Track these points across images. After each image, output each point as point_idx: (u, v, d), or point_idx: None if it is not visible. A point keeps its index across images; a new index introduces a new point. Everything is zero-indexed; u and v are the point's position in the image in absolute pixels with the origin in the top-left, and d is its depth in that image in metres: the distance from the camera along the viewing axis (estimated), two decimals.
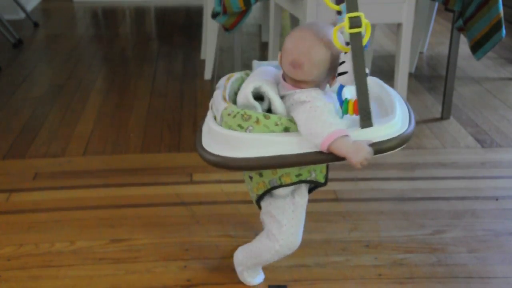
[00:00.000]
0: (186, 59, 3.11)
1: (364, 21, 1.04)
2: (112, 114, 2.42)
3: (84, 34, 3.69)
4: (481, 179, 1.91)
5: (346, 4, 1.05)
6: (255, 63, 1.33)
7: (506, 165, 2.00)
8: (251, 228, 1.63)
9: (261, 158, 1.11)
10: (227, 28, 2.31)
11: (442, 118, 2.36)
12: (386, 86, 1.28)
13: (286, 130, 1.12)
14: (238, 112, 1.13)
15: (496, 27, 2.08)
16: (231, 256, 1.50)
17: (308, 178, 1.24)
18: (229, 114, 1.14)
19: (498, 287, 1.41)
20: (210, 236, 1.60)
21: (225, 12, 2.20)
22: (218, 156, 1.14)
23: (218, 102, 1.20)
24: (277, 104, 1.15)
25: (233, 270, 1.45)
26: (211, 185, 1.86)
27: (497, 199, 1.78)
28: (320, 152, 1.08)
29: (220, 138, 1.15)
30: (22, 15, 3.88)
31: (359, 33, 1.04)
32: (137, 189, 1.85)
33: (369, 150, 1.07)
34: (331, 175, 1.75)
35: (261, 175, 1.24)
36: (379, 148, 1.10)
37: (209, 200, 1.78)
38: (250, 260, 1.37)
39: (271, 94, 1.15)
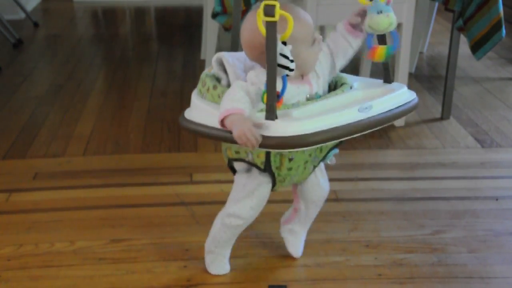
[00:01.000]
0: (186, 59, 3.12)
1: (280, 11, 1.01)
2: (112, 114, 2.42)
3: (84, 34, 3.70)
4: (481, 179, 1.91)
5: None
6: None
7: (506, 165, 2.00)
8: (251, 228, 1.62)
9: (190, 122, 1.23)
10: (227, 28, 2.31)
11: (442, 118, 2.36)
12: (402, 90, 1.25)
13: None
14: (202, 78, 1.27)
15: (496, 27, 2.08)
16: (231, 256, 1.50)
17: (246, 159, 1.28)
18: (200, 79, 1.28)
19: (498, 287, 1.41)
20: None
21: (225, 12, 2.20)
22: (182, 116, 1.29)
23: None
24: (231, 77, 1.22)
25: (233, 270, 1.46)
26: (211, 185, 1.86)
27: (497, 199, 1.78)
28: (219, 129, 1.13)
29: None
30: (22, 15, 3.88)
31: (274, 22, 1.01)
32: (137, 189, 1.85)
33: (251, 128, 1.06)
34: (331, 175, 1.74)
35: (222, 145, 1.33)
36: (264, 142, 1.08)
37: (209, 200, 1.78)
38: (209, 240, 1.41)
39: (228, 66, 1.23)
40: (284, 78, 1.08)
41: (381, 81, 1.30)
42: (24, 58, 3.15)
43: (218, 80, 1.26)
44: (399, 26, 2.14)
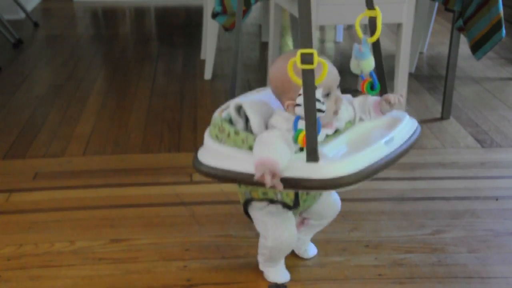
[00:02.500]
0: (186, 59, 3.12)
1: (318, 58, 1.04)
2: (112, 114, 2.43)
3: (84, 34, 3.70)
4: (481, 179, 1.91)
5: (299, 38, 1.05)
6: None
7: (506, 165, 2.00)
8: (251, 228, 1.62)
9: (213, 168, 1.21)
10: (227, 28, 2.31)
11: (442, 118, 2.36)
12: (402, 121, 1.27)
13: (251, 148, 1.16)
14: (217, 124, 1.24)
15: (496, 27, 2.08)
16: (231, 256, 1.51)
17: (275, 198, 1.30)
18: (213, 124, 1.26)
19: (498, 287, 1.41)
20: (210, 236, 1.60)
21: (225, 12, 2.20)
22: (195, 160, 1.27)
23: (215, 113, 1.30)
24: (254, 124, 1.22)
25: (233, 270, 1.46)
26: (211, 185, 1.86)
27: (497, 199, 1.78)
28: (249, 174, 1.12)
29: (204, 145, 1.28)
30: (22, 15, 3.89)
31: (311, 70, 1.04)
32: (137, 189, 1.85)
33: (270, 167, 1.08)
34: None
35: (239, 186, 1.34)
36: (308, 184, 1.10)
37: (209, 200, 1.78)
38: (261, 258, 1.42)
39: (250, 113, 1.23)
40: (318, 121, 1.10)
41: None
42: (24, 58, 3.16)
43: (231, 122, 1.26)
44: (399, 26, 2.14)
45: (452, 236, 1.60)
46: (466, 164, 2.01)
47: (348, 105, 1.28)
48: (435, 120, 2.35)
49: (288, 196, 1.30)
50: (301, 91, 1.08)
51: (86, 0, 4.45)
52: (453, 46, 2.26)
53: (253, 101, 1.27)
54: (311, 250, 1.52)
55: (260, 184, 1.10)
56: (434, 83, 2.74)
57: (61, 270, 1.47)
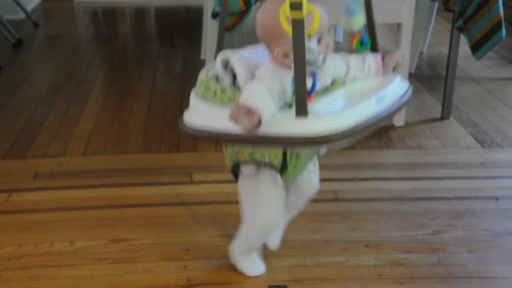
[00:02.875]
0: (186, 59, 3.12)
1: (308, 6, 0.98)
2: (112, 114, 2.42)
3: (84, 34, 3.70)
4: (481, 179, 1.91)
5: None
6: None
7: (506, 165, 2.00)
8: None
9: (195, 129, 1.17)
10: (227, 28, 2.31)
11: (442, 118, 2.36)
12: (392, 81, 1.24)
13: None
14: (203, 82, 1.20)
15: (496, 27, 2.08)
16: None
17: (261, 160, 1.25)
18: (198, 82, 1.21)
19: (498, 287, 1.41)
20: (210, 236, 1.60)
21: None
22: (180, 122, 1.22)
23: (200, 72, 1.25)
24: (241, 78, 1.17)
25: (233, 270, 1.46)
26: (211, 185, 1.86)
27: (497, 199, 1.78)
28: (238, 134, 1.07)
29: (189, 106, 1.23)
30: (22, 15, 3.88)
31: (301, 20, 0.98)
32: (137, 189, 1.85)
33: (250, 112, 1.03)
34: (331, 175, 1.75)
35: (226, 149, 1.29)
36: (298, 140, 1.06)
37: (209, 200, 1.78)
38: (241, 246, 1.39)
39: (237, 68, 1.18)
40: (314, 74, 1.06)
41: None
42: (24, 58, 3.15)
43: (217, 81, 1.22)
44: (399, 26, 2.14)
45: (452, 236, 1.60)
46: (466, 164, 2.01)
47: (340, 61, 1.23)
48: (435, 120, 2.35)
49: (276, 157, 1.25)
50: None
51: (86, 0, 4.45)
52: (453, 46, 2.26)
53: (241, 55, 1.21)
54: (279, 242, 1.50)
55: (246, 140, 1.06)
56: (434, 83, 2.74)
57: (61, 270, 1.47)
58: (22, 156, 2.07)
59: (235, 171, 1.32)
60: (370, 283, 1.43)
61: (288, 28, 1.01)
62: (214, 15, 2.29)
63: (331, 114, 1.08)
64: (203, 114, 1.18)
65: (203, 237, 1.60)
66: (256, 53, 1.25)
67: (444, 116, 2.36)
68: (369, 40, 1.29)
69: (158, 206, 1.75)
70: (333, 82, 1.22)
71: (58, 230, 1.63)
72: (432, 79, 2.81)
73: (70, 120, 2.37)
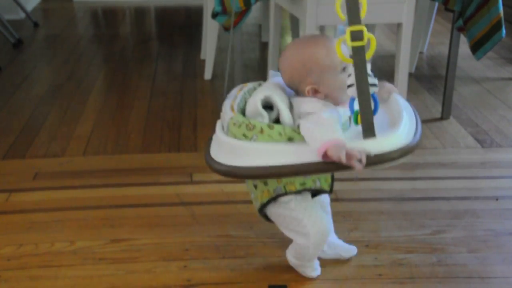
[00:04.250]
0: (186, 59, 3.12)
1: (367, 34, 1.06)
2: (112, 114, 2.43)
3: (84, 34, 3.70)
4: (481, 179, 1.91)
5: (347, 16, 1.06)
6: (272, 73, 1.37)
7: (506, 165, 2.00)
8: (251, 228, 1.63)
9: (262, 168, 1.14)
10: (227, 28, 2.31)
11: (442, 118, 2.36)
12: (398, 97, 1.30)
13: (290, 140, 1.15)
14: (243, 122, 1.17)
15: (496, 27, 2.08)
16: (231, 256, 1.51)
17: (313, 187, 1.29)
18: (234, 124, 1.18)
19: (498, 287, 1.41)
20: (210, 236, 1.60)
21: (225, 12, 2.20)
22: (224, 165, 1.17)
23: (225, 112, 1.24)
24: (285, 115, 1.19)
25: (233, 270, 1.46)
26: (211, 185, 1.86)
27: (497, 199, 1.78)
28: (319, 162, 1.10)
29: (226, 148, 1.19)
30: (22, 15, 3.89)
31: (361, 46, 1.06)
32: (137, 189, 1.85)
33: (343, 147, 1.07)
34: None
35: (266, 183, 1.28)
36: (380, 159, 1.11)
37: (209, 200, 1.78)
38: (303, 260, 1.40)
39: (280, 104, 1.20)
40: (374, 96, 1.11)
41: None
42: (24, 58, 3.15)
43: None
44: (399, 26, 2.14)
45: (452, 236, 1.60)
46: (466, 164, 2.01)
47: None
48: (435, 120, 2.35)
49: (326, 181, 1.30)
50: (350, 71, 1.09)
51: (86, 0, 4.45)
52: (453, 46, 2.26)
53: (276, 91, 1.23)
54: (348, 247, 1.51)
55: (329, 168, 1.09)
56: (434, 83, 2.74)
57: (61, 270, 1.47)
58: (22, 156, 2.07)
59: (266, 206, 1.31)
60: (370, 283, 1.43)
61: (345, 58, 1.09)
62: (214, 15, 2.29)
63: (388, 135, 1.14)
64: (252, 153, 1.16)
65: (203, 237, 1.60)
66: (283, 86, 1.29)
67: (444, 116, 2.36)
68: None
69: (158, 206, 1.75)
70: None
71: (58, 230, 1.63)
72: (432, 79, 2.81)
73: (70, 120, 2.37)
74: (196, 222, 1.67)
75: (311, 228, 1.29)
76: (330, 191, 1.33)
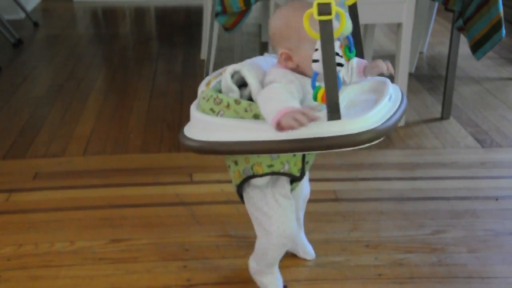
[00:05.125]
0: (186, 59, 3.12)
1: (335, 8, 0.98)
2: (112, 114, 2.43)
3: (84, 34, 3.70)
4: (481, 179, 1.91)
5: None
6: (266, 55, 1.33)
7: (506, 165, 2.00)
8: (251, 228, 1.61)
9: (218, 143, 1.12)
10: (227, 28, 2.31)
11: (442, 118, 2.36)
12: (388, 82, 1.23)
13: (256, 117, 1.10)
14: (211, 96, 1.15)
15: (496, 27, 2.08)
16: (231, 256, 1.51)
17: (281, 170, 1.21)
18: (203, 98, 1.17)
19: (498, 287, 1.41)
20: (210, 236, 1.60)
21: (225, 12, 2.20)
22: (186, 138, 1.17)
23: (200, 87, 1.22)
24: (254, 89, 1.14)
25: (233, 270, 1.46)
26: (211, 185, 1.86)
27: (497, 199, 1.78)
28: (278, 142, 1.05)
29: (194, 122, 1.18)
30: (22, 15, 3.89)
31: (329, 21, 0.98)
32: (137, 189, 1.85)
33: (296, 111, 1.02)
34: (331, 175, 1.75)
35: (236, 163, 1.23)
36: (343, 141, 1.04)
37: (209, 200, 1.78)
38: (261, 263, 1.34)
39: (250, 78, 1.15)
40: (338, 76, 1.04)
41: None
42: (24, 58, 3.15)
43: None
44: (399, 26, 2.14)
45: (452, 236, 1.60)
46: (466, 164, 2.01)
47: (347, 66, 1.23)
48: (435, 120, 2.35)
49: (296, 165, 1.21)
50: (317, 45, 1.02)
51: (86, 0, 4.45)
52: (453, 46, 2.26)
53: (250, 65, 1.20)
54: (310, 249, 1.51)
55: (280, 149, 1.04)
56: (434, 83, 2.74)
57: (61, 270, 1.47)
58: (22, 156, 2.07)
59: (241, 188, 1.27)
60: (370, 283, 1.43)
61: (312, 33, 1.01)
62: (215, 15, 2.29)
63: (358, 116, 1.07)
64: (217, 128, 1.13)
65: (203, 237, 1.60)
66: (264, 62, 1.24)
67: (444, 116, 2.36)
68: (354, 49, 1.25)
69: (158, 206, 1.75)
70: None
71: (58, 230, 1.63)
72: (432, 79, 2.81)
73: (70, 120, 2.37)
74: (196, 222, 1.67)
75: (276, 228, 1.25)
76: (301, 177, 1.23)
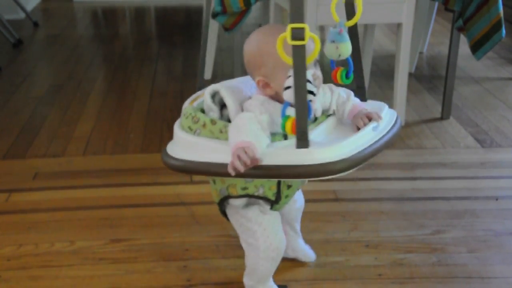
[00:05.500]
0: (186, 59, 3.12)
1: (309, 33, 0.95)
2: (112, 114, 2.43)
3: (84, 34, 3.70)
4: (481, 179, 1.91)
5: (289, 12, 0.95)
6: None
7: (506, 165, 2.00)
8: None
9: (188, 162, 1.12)
10: (227, 28, 2.31)
11: (442, 118, 2.36)
12: (384, 109, 1.22)
13: None
14: (190, 114, 1.16)
15: (496, 27, 2.08)
16: (231, 256, 1.51)
17: (256, 193, 1.20)
18: (184, 115, 1.18)
19: (498, 287, 1.41)
20: (210, 236, 1.60)
21: (225, 12, 2.20)
22: (164, 154, 1.18)
23: (184, 103, 1.23)
24: (231, 111, 1.14)
25: (233, 270, 1.46)
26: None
27: (497, 199, 1.78)
28: (221, 164, 1.05)
29: (175, 139, 1.20)
30: (22, 15, 3.89)
31: (302, 46, 0.95)
32: (137, 189, 1.85)
33: (247, 149, 1.01)
34: None
35: (214, 182, 1.24)
36: (303, 171, 1.03)
37: (208, 200, 1.77)
38: (254, 278, 1.33)
39: (227, 99, 1.15)
40: (309, 104, 1.01)
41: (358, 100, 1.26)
42: (24, 58, 3.16)
43: (203, 112, 1.19)
44: (399, 26, 2.14)
45: (452, 236, 1.60)
46: (466, 164, 2.01)
47: (327, 91, 1.20)
48: (435, 120, 2.35)
49: (270, 189, 1.19)
50: (290, 73, 0.99)
51: (86, 0, 4.45)
52: (453, 46, 2.26)
53: (230, 86, 1.18)
54: (310, 252, 1.50)
55: (239, 174, 1.02)
56: (434, 83, 2.74)
57: (61, 270, 1.48)
58: (22, 156, 2.07)
59: (222, 205, 1.27)
60: (370, 283, 1.43)
61: (286, 58, 0.98)
62: (214, 15, 2.29)
63: (331, 145, 1.06)
64: (191, 146, 1.14)
65: (203, 237, 1.60)
66: (246, 84, 1.22)
67: (444, 116, 2.36)
68: (352, 73, 1.23)
69: (158, 206, 1.75)
70: (323, 113, 1.20)
71: (58, 230, 1.63)
72: (432, 79, 2.81)
73: (70, 120, 2.37)
74: (196, 222, 1.67)
75: (263, 242, 1.24)
76: (276, 201, 1.21)
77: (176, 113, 2.41)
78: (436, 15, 3.16)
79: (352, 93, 1.22)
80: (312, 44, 1.01)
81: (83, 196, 1.81)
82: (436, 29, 3.53)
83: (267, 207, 1.24)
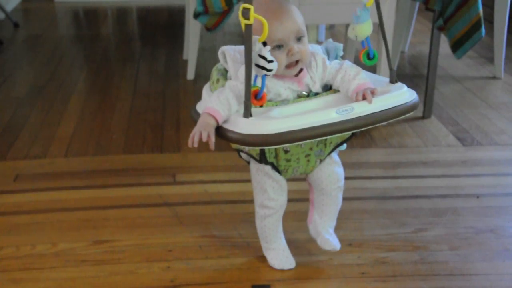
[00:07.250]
0: (169, 59, 3.11)
1: (254, 15, 1.06)
2: (94, 115, 2.41)
3: (66, 34, 3.67)
4: (462, 177, 1.93)
5: None
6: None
7: (486, 163, 2.03)
8: (234, 228, 1.63)
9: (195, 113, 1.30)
10: (209, 28, 2.31)
11: (423, 117, 2.38)
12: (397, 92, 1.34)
13: None
14: (212, 72, 1.32)
15: (476, 27, 2.10)
16: (214, 257, 1.51)
17: (244, 150, 1.34)
18: (212, 71, 1.33)
19: (479, 283, 1.43)
20: (193, 237, 1.60)
21: (206, 12, 2.20)
22: (192, 109, 1.35)
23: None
24: (230, 71, 1.27)
25: (216, 270, 1.46)
26: (194, 185, 1.85)
27: (478, 197, 1.80)
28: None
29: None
30: (1, 16, 3.84)
31: (249, 25, 1.07)
32: (120, 190, 1.84)
33: (205, 127, 1.16)
34: None
35: None
36: (223, 134, 1.18)
37: (192, 201, 1.77)
38: (261, 239, 1.44)
39: (229, 60, 1.26)
40: (263, 78, 1.13)
41: (387, 79, 1.32)
42: (5, 59, 3.12)
43: (226, 72, 1.31)
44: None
45: (434, 234, 1.62)
46: (447, 162, 2.02)
47: (334, 67, 1.27)
48: (417, 119, 2.37)
49: (254, 149, 1.30)
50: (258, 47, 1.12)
51: (67, 0, 4.41)
52: (433, 45, 2.28)
53: (236, 48, 1.29)
54: (334, 242, 1.45)
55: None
56: (415, 82, 2.76)
57: (43, 272, 1.46)
58: (3, 158, 2.05)
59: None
60: (353, 282, 1.43)
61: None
62: (196, 15, 2.29)
63: (272, 119, 1.14)
64: (204, 101, 1.31)
65: (186, 238, 1.60)
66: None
67: (426, 115, 2.38)
68: (375, 53, 1.30)
69: (141, 207, 1.75)
70: (330, 88, 1.28)
71: (39, 232, 1.62)
72: (413, 78, 2.83)
73: (51, 121, 2.35)
74: (180, 222, 1.67)
75: (257, 198, 1.38)
76: (260, 161, 1.31)
77: (159, 113, 2.40)
78: (417, 15, 3.19)
79: (361, 72, 1.26)
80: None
81: (65, 198, 1.80)
82: (417, 29, 3.55)
83: (273, 171, 1.33)
